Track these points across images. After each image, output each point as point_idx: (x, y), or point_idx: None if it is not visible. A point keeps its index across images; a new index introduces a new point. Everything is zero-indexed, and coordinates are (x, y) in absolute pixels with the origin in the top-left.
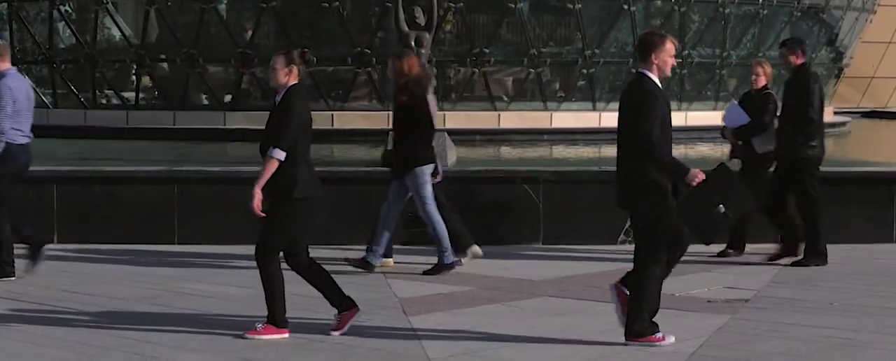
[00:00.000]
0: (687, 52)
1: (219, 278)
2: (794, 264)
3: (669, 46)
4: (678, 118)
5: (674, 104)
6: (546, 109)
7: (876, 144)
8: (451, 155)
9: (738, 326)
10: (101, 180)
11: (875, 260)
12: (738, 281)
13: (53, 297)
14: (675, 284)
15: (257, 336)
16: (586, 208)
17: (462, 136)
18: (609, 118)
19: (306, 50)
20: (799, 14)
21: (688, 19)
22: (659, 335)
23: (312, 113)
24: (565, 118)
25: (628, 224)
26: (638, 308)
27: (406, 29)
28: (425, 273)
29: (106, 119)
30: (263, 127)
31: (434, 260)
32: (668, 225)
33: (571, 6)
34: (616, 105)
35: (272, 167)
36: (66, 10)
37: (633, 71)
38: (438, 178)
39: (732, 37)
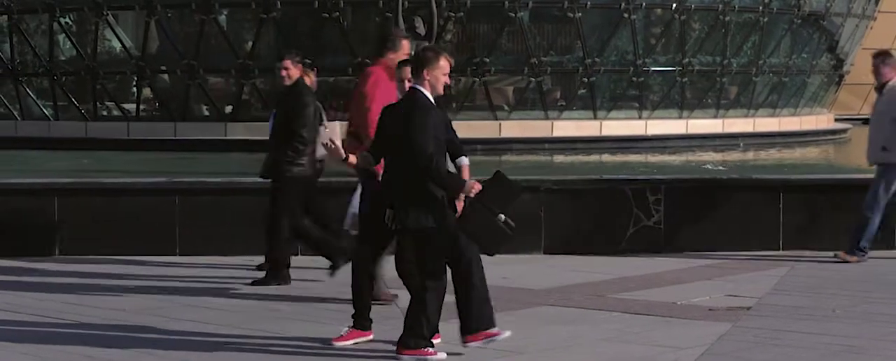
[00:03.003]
0: (687, 59)
1: (220, 288)
2: (254, 283)
3: (443, 63)
4: (679, 126)
5: (674, 112)
6: (547, 118)
7: None
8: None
9: (739, 334)
10: (102, 192)
11: (875, 267)
12: (739, 289)
13: (55, 309)
14: (676, 292)
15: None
16: (587, 217)
17: (463, 146)
18: (610, 126)
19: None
20: (799, 21)
21: (688, 27)
22: (431, 349)
23: None
24: (566, 127)
25: (630, 231)
26: (417, 321)
27: None
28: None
29: (107, 130)
30: (267, 138)
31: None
32: (444, 240)
33: (572, 15)
34: (618, 113)
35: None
36: (66, 23)
37: (635, 79)
38: None
39: (733, 44)
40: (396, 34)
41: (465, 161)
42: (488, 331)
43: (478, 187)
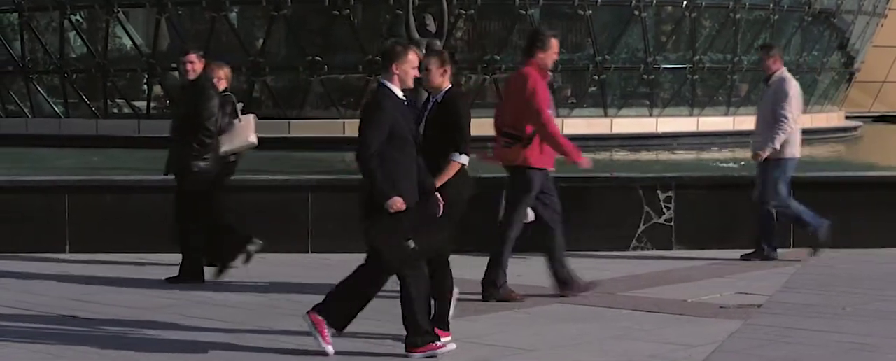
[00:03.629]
0: (698, 57)
1: (231, 286)
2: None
3: (412, 57)
4: (689, 123)
5: (685, 109)
6: (557, 116)
7: (887, 148)
8: None
9: (750, 331)
10: (113, 189)
11: (886, 264)
12: (749, 287)
13: (66, 306)
14: (686, 290)
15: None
16: (598, 214)
17: (474, 144)
18: (621, 124)
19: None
20: (809, 19)
21: (699, 25)
22: (438, 342)
23: (324, 120)
24: (577, 124)
25: (640, 229)
26: (412, 318)
27: (417, 36)
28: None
29: (118, 128)
30: (275, 135)
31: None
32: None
33: (582, 12)
34: (628, 111)
35: (454, 170)
36: (77, 20)
37: (646, 77)
38: None
39: (743, 42)
40: (546, 33)
41: (459, 158)
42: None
43: (399, 207)
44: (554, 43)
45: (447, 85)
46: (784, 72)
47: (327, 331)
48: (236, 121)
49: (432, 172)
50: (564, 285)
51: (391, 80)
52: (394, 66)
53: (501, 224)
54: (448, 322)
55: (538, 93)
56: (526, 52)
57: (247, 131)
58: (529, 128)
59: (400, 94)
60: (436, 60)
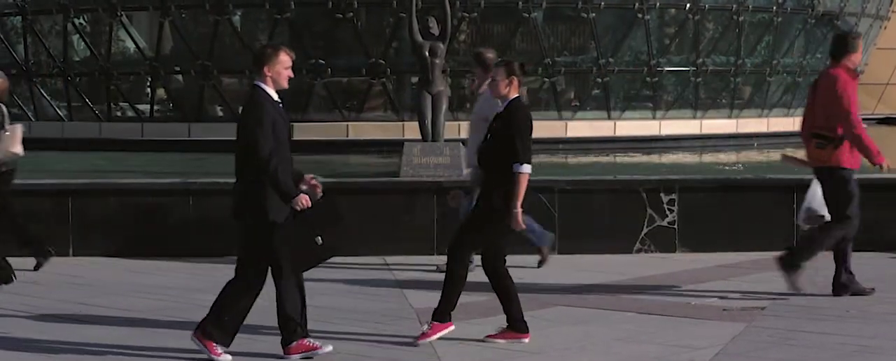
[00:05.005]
0: (701, 59)
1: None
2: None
3: (284, 58)
4: (693, 126)
5: (688, 112)
6: (561, 118)
7: (890, 150)
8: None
9: (754, 334)
10: (116, 192)
11: (889, 267)
12: (753, 289)
13: (69, 309)
14: (690, 293)
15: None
16: (602, 217)
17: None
18: (624, 127)
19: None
20: (813, 21)
21: (702, 27)
22: (219, 349)
23: (327, 123)
24: (580, 127)
25: (644, 231)
26: (286, 320)
27: (420, 39)
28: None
29: (121, 131)
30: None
31: None
32: (274, 243)
33: (585, 15)
34: (631, 113)
35: (525, 182)
36: (80, 23)
37: (649, 79)
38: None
39: (747, 44)
40: (852, 35)
41: (522, 169)
42: (307, 343)
43: (305, 203)
44: (860, 44)
45: (513, 95)
46: None
47: (217, 349)
48: (3, 131)
49: (490, 182)
50: (844, 288)
51: (265, 82)
52: (266, 69)
53: (827, 226)
54: (525, 323)
55: (847, 94)
56: (834, 55)
57: (10, 142)
58: (840, 129)
59: (275, 96)
60: (502, 71)
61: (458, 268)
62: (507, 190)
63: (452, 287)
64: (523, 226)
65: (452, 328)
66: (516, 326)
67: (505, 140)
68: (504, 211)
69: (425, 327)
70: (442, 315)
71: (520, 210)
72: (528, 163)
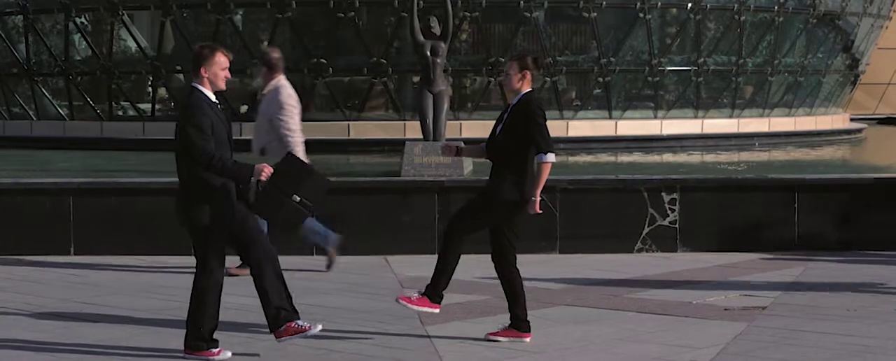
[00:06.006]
0: (702, 59)
1: (235, 289)
2: None
3: (220, 59)
4: (694, 126)
5: (690, 111)
6: (562, 118)
7: (891, 150)
8: (468, 164)
9: (755, 334)
10: (118, 192)
11: (890, 266)
12: (754, 289)
13: (71, 309)
14: (691, 292)
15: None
16: (603, 216)
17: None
18: (625, 126)
19: (537, 57)
20: (814, 21)
21: (703, 27)
22: (216, 350)
23: (328, 123)
24: (581, 126)
25: (645, 231)
26: (195, 322)
27: (421, 38)
28: None
29: (122, 130)
30: None
31: None
32: (227, 231)
33: (587, 15)
34: (633, 113)
35: (548, 170)
36: (81, 22)
37: (650, 79)
38: None
39: (748, 44)
40: None
41: (547, 158)
42: (295, 325)
43: (268, 170)
44: None
45: (526, 89)
46: None
47: (301, 325)
48: None
49: (500, 176)
50: None
51: (202, 84)
52: (202, 69)
53: None
54: (528, 323)
55: None
56: None
57: None
58: None
59: (212, 97)
60: (514, 65)
61: (449, 250)
62: (520, 180)
63: (442, 267)
64: (540, 211)
65: (436, 311)
66: (519, 325)
67: (517, 133)
68: (514, 203)
69: (414, 294)
70: (432, 294)
71: (538, 197)
72: (552, 151)
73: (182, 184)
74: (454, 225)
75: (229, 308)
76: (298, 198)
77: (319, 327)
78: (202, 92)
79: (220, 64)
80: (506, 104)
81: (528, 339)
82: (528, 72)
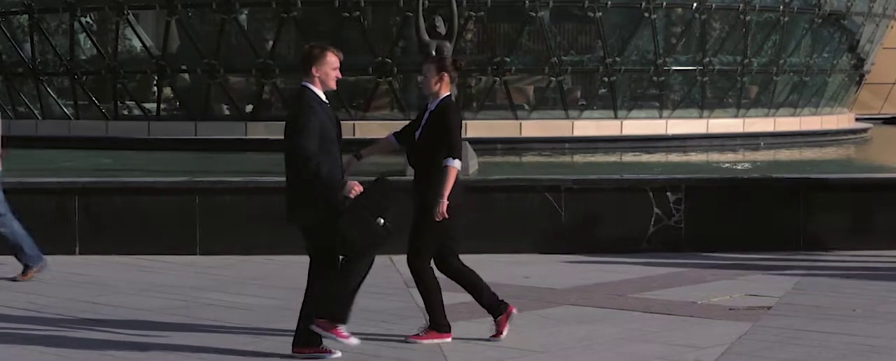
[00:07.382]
0: (708, 59)
1: (241, 288)
2: None
3: (331, 58)
4: (699, 125)
5: (695, 111)
6: (567, 117)
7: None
8: (473, 163)
9: (760, 333)
10: (123, 191)
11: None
12: (759, 289)
13: (75, 308)
14: (696, 292)
15: (419, 341)
16: (608, 216)
17: (483, 145)
18: (631, 126)
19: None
20: (820, 21)
21: (709, 27)
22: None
23: None
24: (587, 126)
25: (650, 231)
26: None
27: (426, 38)
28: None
29: (127, 130)
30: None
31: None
32: (332, 239)
33: (592, 14)
34: (638, 113)
35: (454, 175)
36: (87, 22)
37: (655, 79)
38: None
39: (753, 44)
40: None
41: (454, 163)
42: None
43: (358, 189)
44: None
45: (445, 92)
46: None
47: (341, 329)
48: None
49: (423, 180)
50: None
51: (313, 83)
52: (314, 69)
53: None
54: (502, 304)
55: None
56: None
57: None
58: None
59: (322, 97)
60: (432, 68)
61: (424, 279)
62: (437, 184)
63: (430, 296)
64: (447, 216)
65: (449, 340)
66: (497, 308)
67: (435, 138)
68: (447, 207)
69: (421, 330)
70: (439, 326)
71: (446, 201)
72: (458, 158)
73: (289, 184)
74: (413, 263)
75: (235, 308)
76: (382, 222)
77: (354, 342)
78: (313, 91)
79: (332, 63)
80: (425, 106)
81: (449, 339)
82: (447, 75)
